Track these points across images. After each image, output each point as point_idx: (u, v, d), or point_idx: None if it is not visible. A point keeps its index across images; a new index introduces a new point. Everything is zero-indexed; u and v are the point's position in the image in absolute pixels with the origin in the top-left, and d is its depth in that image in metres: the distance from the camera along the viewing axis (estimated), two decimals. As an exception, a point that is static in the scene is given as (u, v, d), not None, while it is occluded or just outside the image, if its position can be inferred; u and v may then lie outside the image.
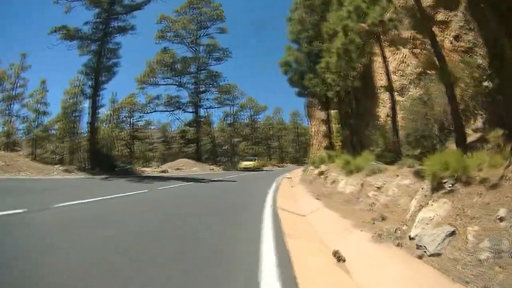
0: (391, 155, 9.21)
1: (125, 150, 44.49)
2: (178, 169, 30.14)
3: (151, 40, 46.76)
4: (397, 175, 6.47)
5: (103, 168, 20.72)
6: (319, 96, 19.56)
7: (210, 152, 57.25)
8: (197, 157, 43.27)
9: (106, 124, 32.22)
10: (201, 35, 48.42)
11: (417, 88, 13.18)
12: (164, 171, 25.29)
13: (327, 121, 20.20)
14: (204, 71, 48.52)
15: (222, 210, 7.13)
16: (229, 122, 66.48)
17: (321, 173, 12.93)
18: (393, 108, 9.21)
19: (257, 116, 75.91)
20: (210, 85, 49.23)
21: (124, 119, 48.52)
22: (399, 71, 14.97)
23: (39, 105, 25.60)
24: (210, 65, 48.89)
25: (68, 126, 25.01)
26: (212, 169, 34.42)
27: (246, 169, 35.86)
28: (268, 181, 16.90)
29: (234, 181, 16.70)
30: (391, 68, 14.85)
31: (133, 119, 49.44)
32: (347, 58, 10.23)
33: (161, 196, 9.77)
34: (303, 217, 7.04)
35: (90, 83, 23.00)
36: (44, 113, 25.89)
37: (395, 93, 14.21)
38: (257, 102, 73.71)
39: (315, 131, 32.76)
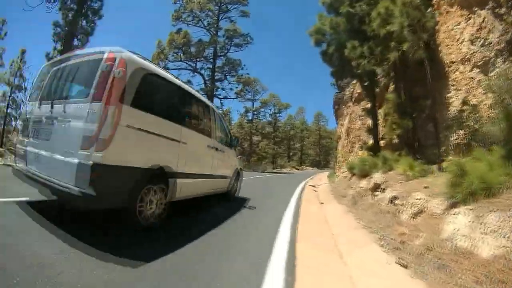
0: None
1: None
2: None
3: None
4: None
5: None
6: (362, 75, 13.86)
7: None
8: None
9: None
10: (221, 18, 43.10)
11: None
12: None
13: (372, 111, 14.45)
14: (222, 57, 43.19)
15: None
16: (249, 118, 61.42)
17: (375, 187, 7.37)
18: None
19: (279, 114, 70.32)
20: (228, 74, 43.78)
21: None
22: (479, 40, 10.11)
23: (14, 78, 21.05)
24: (229, 52, 43.61)
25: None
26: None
27: None
28: (284, 193, 11.83)
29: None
30: (466, 36, 10.28)
31: None
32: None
33: None
34: None
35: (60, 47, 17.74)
36: (18, 87, 21.23)
37: (475, 69, 9.79)
38: (280, 99, 68.43)
39: (345, 130, 27.01)
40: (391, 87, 13.30)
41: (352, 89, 32.53)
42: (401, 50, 9.56)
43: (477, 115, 9.18)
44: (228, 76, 43.87)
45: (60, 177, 3.31)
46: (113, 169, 3.27)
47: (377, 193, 7.17)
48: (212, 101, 41.74)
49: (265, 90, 62.06)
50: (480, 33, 10.13)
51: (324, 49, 15.15)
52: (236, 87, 45.33)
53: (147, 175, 3.82)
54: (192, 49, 40.82)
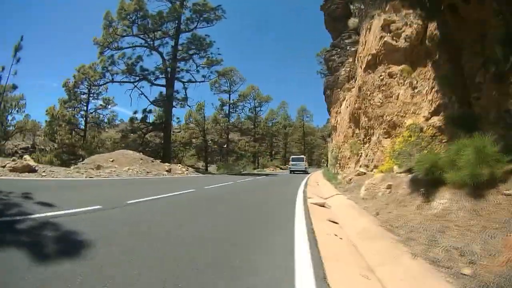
0: None
1: (66, 137, 31.22)
2: (99, 167, 17.32)
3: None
4: None
5: None
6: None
7: (198, 148, 44.58)
8: (165, 151, 30.04)
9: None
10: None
11: None
12: (33, 171, 12.16)
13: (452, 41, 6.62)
14: (187, 33, 35.27)
15: None
16: (226, 112, 53.72)
17: None
18: None
19: (260, 109, 62.94)
20: (196, 53, 35.66)
21: (83, 96, 35.58)
22: None
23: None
24: (197, 28, 35.49)
25: None
26: (168, 171, 21.15)
27: None
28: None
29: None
30: None
31: (90, 97, 36.30)
32: None
33: None
34: None
35: None
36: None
37: None
38: (260, 92, 61.16)
39: (348, 115, 19.88)
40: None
41: (348, 68, 26.82)
42: None
43: None
44: (195, 56, 35.71)
45: (301, 171, 39.05)
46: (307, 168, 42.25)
47: None
48: (172, 86, 33.98)
49: (243, 81, 55.14)
50: None
51: None
52: (204, 69, 37.13)
53: (306, 170, 41.35)
54: (149, 22, 32.48)
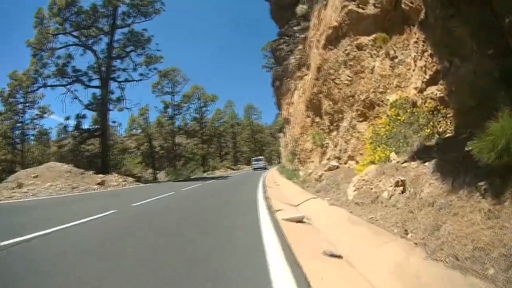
0: None
1: (1, 153, 27.45)
2: (20, 185, 14.77)
3: None
4: None
5: None
6: None
7: (145, 155, 41.09)
8: (103, 159, 26.58)
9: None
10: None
11: None
12: None
13: None
14: (123, 29, 31.87)
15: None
16: (170, 115, 50.07)
17: None
18: None
19: (206, 108, 60.00)
20: (132, 51, 32.26)
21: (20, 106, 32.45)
22: None
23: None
24: (135, 23, 32.35)
25: None
26: (101, 184, 18.07)
27: None
28: None
29: None
30: None
31: (26, 106, 33.12)
32: None
33: None
34: None
35: None
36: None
37: None
38: (205, 91, 58.58)
39: (304, 103, 17.77)
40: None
41: (298, 56, 25.27)
42: None
43: None
44: (132, 54, 32.33)
45: (261, 168, 49.72)
46: (266, 165, 54.40)
47: None
48: (108, 86, 29.41)
49: (186, 81, 52.44)
50: None
51: None
52: (142, 67, 33.71)
53: (265, 167, 51.95)
54: (82, 19, 28.74)
